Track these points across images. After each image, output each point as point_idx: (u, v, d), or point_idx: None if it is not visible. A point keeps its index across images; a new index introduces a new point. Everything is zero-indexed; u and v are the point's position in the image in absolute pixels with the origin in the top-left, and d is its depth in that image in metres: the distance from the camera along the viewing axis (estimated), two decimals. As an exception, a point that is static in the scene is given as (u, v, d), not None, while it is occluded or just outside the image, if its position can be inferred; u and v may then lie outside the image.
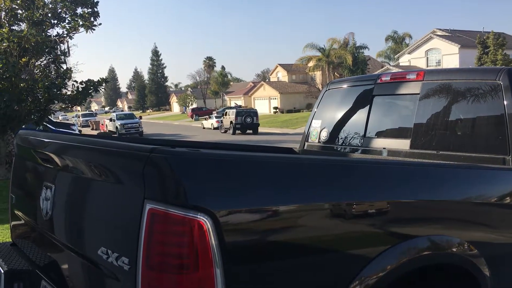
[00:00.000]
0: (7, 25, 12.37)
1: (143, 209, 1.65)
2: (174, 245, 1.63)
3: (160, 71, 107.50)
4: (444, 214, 2.39)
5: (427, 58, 47.15)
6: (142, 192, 1.67)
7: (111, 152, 1.97)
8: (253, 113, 36.89)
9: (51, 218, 2.33)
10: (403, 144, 3.52)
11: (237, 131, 35.61)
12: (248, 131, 35.74)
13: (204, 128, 44.83)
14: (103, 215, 1.97)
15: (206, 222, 1.61)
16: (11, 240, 3.15)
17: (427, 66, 45.25)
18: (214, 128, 42.19)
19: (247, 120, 35.37)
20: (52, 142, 2.42)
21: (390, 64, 53.97)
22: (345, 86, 4.26)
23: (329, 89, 4.35)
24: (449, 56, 44.36)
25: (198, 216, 1.60)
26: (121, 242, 1.80)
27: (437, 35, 46.92)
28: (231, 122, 36.05)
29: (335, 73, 52.89)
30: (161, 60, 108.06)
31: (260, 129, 37.60)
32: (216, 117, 44.13)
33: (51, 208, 2.31)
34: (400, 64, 48.82)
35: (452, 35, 47.27)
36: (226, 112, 38.84)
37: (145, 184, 1.66)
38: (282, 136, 31.44)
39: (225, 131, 37.43)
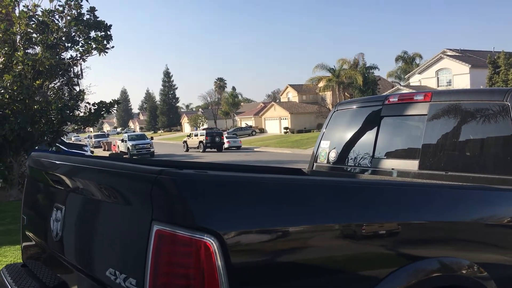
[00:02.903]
0: (22, 48, 12.63)
1: (150, 230, 1.67)
2: (181, 266, 1.65)
3: (172, 92, 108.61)
4: (454, 235, 2.38)
5: (438, 78, 47.08)
6: (150, 214, 1.69)
7: (120, 174, 2.00)
8: (220, 133, 42.88)
9: (61, 239, 2.35)
10: (411, 165, 3.52)
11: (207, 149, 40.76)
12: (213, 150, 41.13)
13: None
14: (112, 236, 1.99)
15: (213, 244, 1.62)
16: (22, 261, 3.18)
17: (438, 86, 45.16)
18: (225, 149, 42.38)
19: (216, 139, 41.05)
20: (63, 164, 2.47)
21: (400, 84, 53.92)
22: (353, 107, 4.28)
23: (337, 110, 4.37)
24: (459, 76, 44.27)
25: (205, 238, 1.62)
26: (129, 263, 1.81)
27: (447, 55, 46.92)
28: (200, 142, 41.35)
29: (346, 93, 53.02)
30: (173, 81, 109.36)
31: (270, 150, 38.58)
32: (226, 137, 44.55)
33: (61, 229, 2.34)
34: (411, 84, 48.78)
35: (463, 55, 47.23)
36: (191, 134, 45.19)
37: (153, 206, 1.69)
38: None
39: (187, 150, 43.06)
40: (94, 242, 2.14)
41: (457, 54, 47.80)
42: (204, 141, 40.73)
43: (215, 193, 1.72)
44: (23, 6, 13.07)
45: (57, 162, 2.54)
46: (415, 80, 49.48)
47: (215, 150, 40.98)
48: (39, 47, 12.92)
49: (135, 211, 1.83)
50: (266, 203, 1.83)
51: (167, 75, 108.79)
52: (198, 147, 41.67)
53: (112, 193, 2.01)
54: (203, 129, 47.81)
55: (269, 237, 1.81)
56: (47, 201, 2.66)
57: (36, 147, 13.37)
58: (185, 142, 45.23)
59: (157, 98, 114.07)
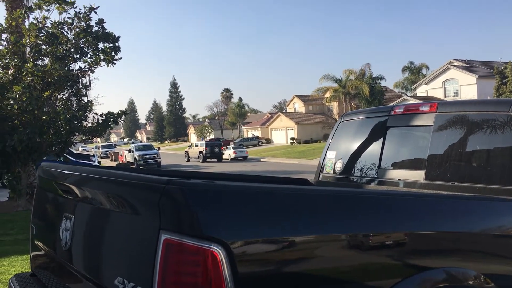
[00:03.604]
0: (31, 60, 12.78)
1: (158, 239, 1.70)
2: (188, 274, 1.67)
3: (179, 102, 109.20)
4: (460, 246, 2.38)
5: (445, 88, 47.00)
6: (158, 223, 1.72)
7: (128, 183, 2.03)
8: (219, 144, 44.53)
9: (70, 249, 2.38)
10: (417, 176, 3.53)
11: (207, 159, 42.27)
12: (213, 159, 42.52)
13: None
14: (120, 245, 2.02)
15: (220, 253, 1.65)
16: (30, 271, 3.21)
17: (445, 97, 45.06)
18: (232, 159, 42.48)
19: (215, 150, 42.48)
20: (72, 174, 2.51)
21: (407, 95, 53.88)
22: (359, 117, 4.30)
23: (343, 121, 4.40)
24: (467, 86, 44.18)
25: (212, 247, 1.64)
26: (137, 271, 1.84)
27: (454, 66, 46.88)
28: (200, 152, 42.88)
29: (352, 104, 53.00)
30: (180, 92, 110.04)
31: (277, 160, 38.66)
32: (233, 148, 44.82)
33: (70, 239, 2.37)
34: (418, 95, 48.73)
35: (469, 66, 47.17)
36: (192, 144, 47.21)
37: (160, 215, 1.71)
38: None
39: (188, 159, 44.83)
40: (102, 251, 2.17)
41: (464, 64, 47.74)
42: (203, 152, 42.33)
43: (222, 202, 1.74)
44: (33, 18, 13.23)
45: (67, 172, 2.58)
46: (422, 90, 49.43)
47: (215, 160, 42.27)
48: (48, 58, 13.07)
49: (144, 220, 1.86)
50: (273, 213, 1.85)
51: (174, 86, 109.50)
52: (198, 157, 43.28)
53: (121, 203, 2.04)
54: (210, 139, 48.86)
55: (275, 247, 1.82)
56: (57, 211, 2.70)
57: (44, 158, 13.47)
58: (186, 152, 46.90)
59: (164, 108, 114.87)
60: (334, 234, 1.99)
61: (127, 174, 2.08)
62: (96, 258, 2.22)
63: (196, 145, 45.44)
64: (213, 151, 42.34)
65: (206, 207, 1.69)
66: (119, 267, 1.96)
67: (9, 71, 12.81)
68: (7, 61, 12.86)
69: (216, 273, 1.64)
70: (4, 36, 13.48)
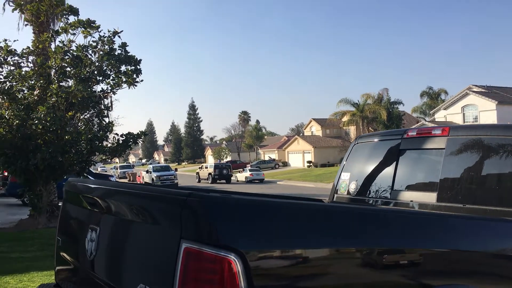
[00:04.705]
0: (56, 81, 13.19)
1: (179, 248, 1.83)
2: (206, 281, 1.79)
3: (197, 124, 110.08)
4: (466, 265, 2.45)
5: (464, 114, 46.64)
6: (179, 232, 1.85)
7: (151, 196, 2.18)
8: (228, 166, 45.50)
9: (95, 258, 2.52)
10: (430, 197, 3.60)
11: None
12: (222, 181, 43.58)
13: (238, 181, 45.24)
14: (142, 254, 2.15)
15: (236, 261, 1.76)
16: (55, 282, 3.35)
17: (464, 122, 44.65)
18: (248, 181, 42.57)
19: (223, 172, 43.74)
20: (99, 188, 2.67)
21: (425, 120, 53.52)
22: (373, 140, 4.41)
23: (357, 143, 4.51)
24: (486, 112, 43.78)
25: (228, 255, 1.76)
26: (158, 278, 1.96)
27: (473, 91, 46.57)
28: (209, 174, 44.12)
29: (370, 128, 52.81)
30: (198, 114, 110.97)
31: (293, 183, 38.71)
32: (250, 170, 45.02)
33: (96, 249, 2.51)
34: (436, 120, 48.40)
35: (489, 92, 46.79)
36: (202, 166, 49.04)
37: (182, 225, 1.85)
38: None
39: (199, 181, 46.07)
40: (126, 260, 2.30)
41: (483, 90, 47.39)
42: (212, 173, 43.66)
43: (239, 214, 1.87)
44: (59, 41, 13.69)
45: (93, 186, 2.74)
46: (440, 116, 49.10)
47: (224, 181, 43.38)
48: (72, 80, 13.46)
49: (165, 230, 1.99)
50: (287, 226, 1.95)
51: (192, 108, 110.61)
52: (207, 179, 44.56)
53: (144, 214, 2.18)
54: (226, 161, 49.42)
55: (290, 259, 1.93)
56: (83, 223, 2.85)
57: (65, 177, 13.74)
58: (197, 173, 48.73)
59: (182, 130, 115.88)
60: (348, 248, 2.08)
61: (151, 188, 2.23)
62: (119, 267, 2.35)
63: (206, 167, 47.15)
64: (221, 173, 43.61)
65: (224, 219, 1.82)
66: (141, 274, 2.08)
67: (35, 92, 13.22)
68: (33, 82, 13.29)
69: (232, 280, 1.75)
70: (30, 58, 13.98)
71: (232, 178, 44.84)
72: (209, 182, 43.18)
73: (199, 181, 45.91)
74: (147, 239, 2.11)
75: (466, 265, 2.45)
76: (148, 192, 2.21)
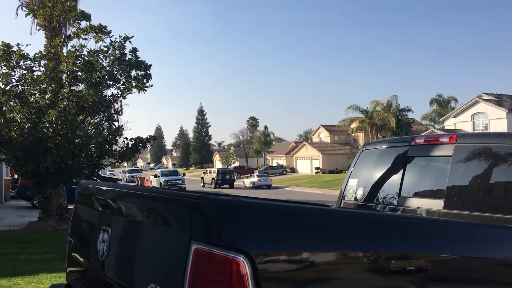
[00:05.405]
0: (67, 85, 13.35)
1: (189, 249, 1.88)
2: (215, 282, 1.83)
3: (205, 130, 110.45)
4: (473, 272, 2.47)
5: (473, 122, 46.38)
6: (189, 234, 1.90)
7: (163, 199, 2.24)
8: (231, 171, 46.81)
9: (106, 259, 2.58)
10: (437, 204, 3.63)
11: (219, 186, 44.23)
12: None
13: (245, 186, 45.29)
14: (153, 255, 2.20)
15: (244, 262, 1.81)
16: (66, 282, 3.42)
17: (474, 130, 44.39)
18: (255, 187, 42.62)
19: (226, 177, 44.68)
20: (111, 190, 2.73)
21: (435, 127, 53.28)
22: (381, 147, 4.44)
23: (365, 150, 4.54)
24: (496, 120, 43.51)
25: (237, 256, 1.81)
26: (168, 278, 2.01)
27: (483, 99, 46.32)
28: (212, 179, 45.16)
29: (378, 135, 52.67)
30: (206, 119, 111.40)
31: (301, 189, 38.74)
32: (257, 175, 45.16)
33: (107, 250, 2.57)
34: (446, 128, 48.17)
35: (499, 100, 46.52)
36: (206, 171, 50.03)
37: (192, 227, 1.90)
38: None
39: (203, 185, 46.87)
40: (137, 260, 2.36)
41: (493, 98, 47.13)
42: (215, 178, 44.61)
43: (248, 217, 1.91)
44: (71, 46, 13.89)
45: (104, 188, 2.81)
46: (450, 123, 48.87)
47: (227, 186, 44.32)
48: (83, 84, 13.63)
49: (176, 231, 2.04)
50: (296, 230, 1.99)
51: (201, 113, 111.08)
52: (211, 183, 45.53)
53: (155, 216, 2.24)
54: (234, 167, 49.66)
55: (298, 263, 1.96)
56: (95, 224, 2.91)
57: (74, 180, 13.88)
58: (202, 178, 49.74)
59: (190, 135, 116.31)
60: (355, 253, 2.11)
61: (162, 190, 2.29)
62: (130, 267, 2.41)
63: (210, 172, 47.99)
64: (224, 178, 44.54)
65: (233, 221, 1.86)
66: (152, 274, 2.14)
67: (46, 96, 13.39)
68: (44, 86, 13.47)
69: (240, 281, 1.80)
70: (42, 62, 14.17)
71: (239, 183, 44.89)
72: (212, 187, 43.65)
73: (203, 186, 46.41)
74: (158, 240, 2.17)
75: (473, 272, 2.47)
76: (159, 194, 2.27)
